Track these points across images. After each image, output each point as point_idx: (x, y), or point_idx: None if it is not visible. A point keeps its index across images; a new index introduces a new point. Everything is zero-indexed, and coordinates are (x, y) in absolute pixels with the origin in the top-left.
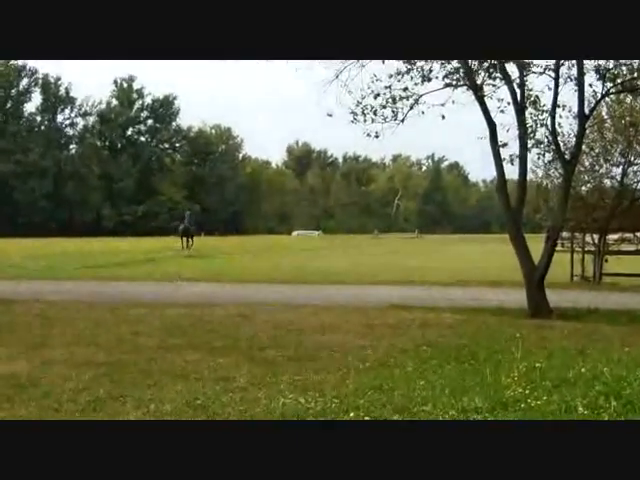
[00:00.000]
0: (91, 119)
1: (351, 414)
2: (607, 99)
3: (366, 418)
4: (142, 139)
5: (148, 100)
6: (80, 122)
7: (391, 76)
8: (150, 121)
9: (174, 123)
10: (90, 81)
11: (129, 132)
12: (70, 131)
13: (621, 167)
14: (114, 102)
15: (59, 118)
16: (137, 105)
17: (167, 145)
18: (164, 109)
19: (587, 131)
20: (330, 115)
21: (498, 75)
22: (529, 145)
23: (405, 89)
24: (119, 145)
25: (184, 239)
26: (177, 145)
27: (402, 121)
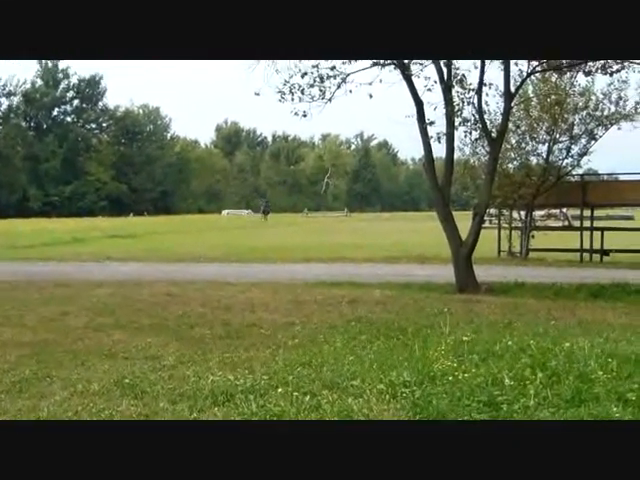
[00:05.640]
0: (15, 99)
1: (280, 390)
2: (533, 77)
3: (294, 395)
4: (68, 119)
5: (74, 80)
6: (4, 102)
7: None
8: (76, 101)
9: (101, 103)
10: (14, 60)
11: (55, 112)
12: None
13: (547, 144)
14: (39, 82)
15: None
16: (63, 85)
17: (94, 125)
18: (90, 89)
19: (513, 109)
20: (257, 94)
21: None
22: (456, 123)
23: (332, 68)
24: (45, 125)
25: (264, 215)
26: (104, 125)
27: (330, 100)
